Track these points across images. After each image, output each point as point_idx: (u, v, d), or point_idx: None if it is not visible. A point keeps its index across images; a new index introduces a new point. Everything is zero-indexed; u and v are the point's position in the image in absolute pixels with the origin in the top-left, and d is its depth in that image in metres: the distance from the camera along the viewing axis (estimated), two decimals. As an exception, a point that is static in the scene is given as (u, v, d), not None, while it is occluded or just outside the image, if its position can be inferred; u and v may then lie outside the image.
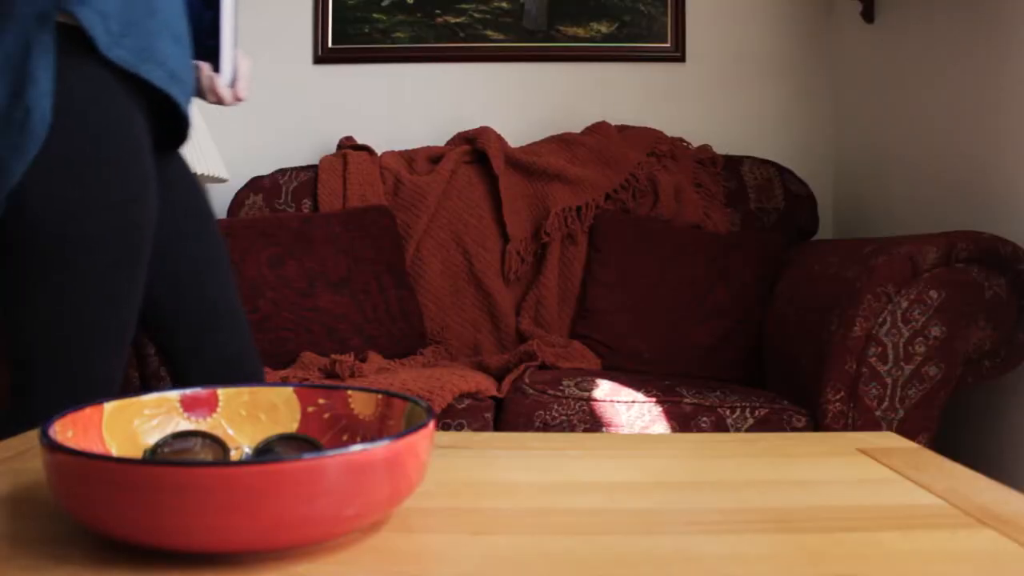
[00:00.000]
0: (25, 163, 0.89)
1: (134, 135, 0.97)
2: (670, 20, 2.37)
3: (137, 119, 0.98)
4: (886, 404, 1.42)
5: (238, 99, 1.13)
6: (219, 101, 1.12)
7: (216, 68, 1.08)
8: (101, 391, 0.97)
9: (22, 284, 0.93)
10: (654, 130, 2.21)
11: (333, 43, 2.41)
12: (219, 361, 1.13)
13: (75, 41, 0.91)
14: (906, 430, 1.41)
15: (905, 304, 1.39)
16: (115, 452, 0.52)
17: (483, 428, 1.49)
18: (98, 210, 0.93)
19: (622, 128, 2.21)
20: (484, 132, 2.14)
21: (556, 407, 1.48)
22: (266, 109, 2.42)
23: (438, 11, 2.37)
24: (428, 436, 0.47)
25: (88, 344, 0.95)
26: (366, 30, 2.39)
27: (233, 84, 1.11)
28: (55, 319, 0.94)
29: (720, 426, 1.46)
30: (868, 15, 2.14)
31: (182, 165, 1.15)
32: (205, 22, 1.06)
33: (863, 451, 0.67)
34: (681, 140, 2.20)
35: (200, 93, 1.12)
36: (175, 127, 1.07)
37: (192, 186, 1.15)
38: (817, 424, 1.46)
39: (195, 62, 1.08)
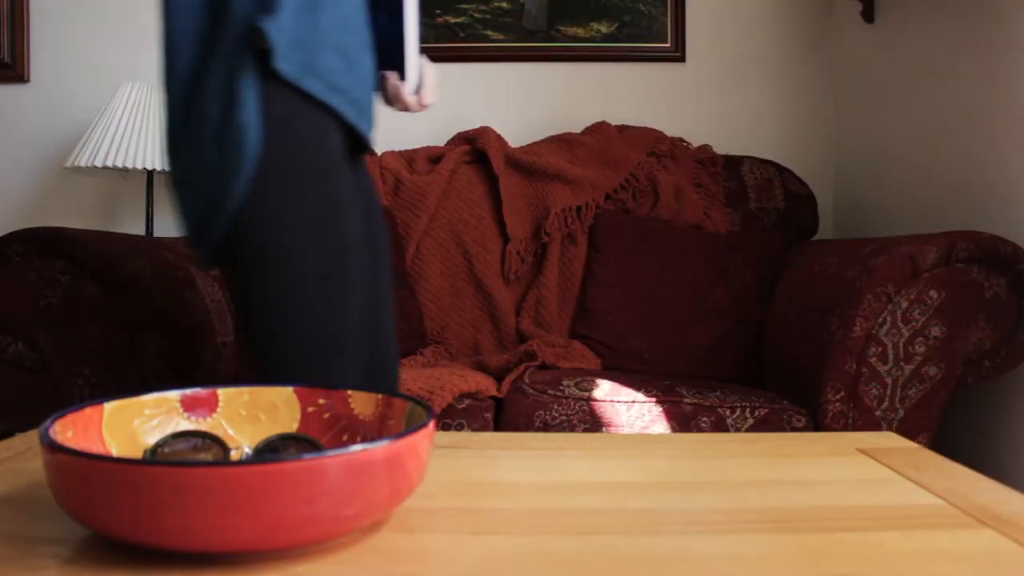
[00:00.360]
0: (243, 180, 0.95)
1: (331, 148, 1.02)
2: (670, 20, 2.37)
3: (331, 133, 1.03)
4: (886, 404, 1.42)
5: (423, 106, 1.17)
6: (405, 108, 1.16)
7: (402, 77, 1.13)
8: None
9: (249, 296, 0.99)
10: (654, 130, 2.21)
11: (333, 43, 2.41)
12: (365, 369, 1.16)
13: (266, 59, 0.97)
14: (906, 430, 1.41)
15: (905, 304, 1.39)
16: (115, 452, 0.52)
17: (483, 428, 1.49)
18: (301, 222, 0.98)
19: (622, 128, 2.21)
20: (484, 132, 2.14)
21: (556, 407, 1.48)
22: (266, 109, 2.42)
23: (438, 11, 2.37)
24: (428, 436, 0.47)
25: (313, 354, 1.00)
26: (366, 30, 2.39)
27: (418, 91, 1.16)
28: (278, 330, 0.99)
29: (720, 426, 1.46)
30: (868, 15, 2.14)
31: (364, 175, 1.19)
32: (392, 34, 1.12)
33: (863, 451, 0.67)
34: (681, 140, 2.21)
35: (388, 101, 1.17)
36: (357, 139, 1.12)
37: (371, 196, 1.20)
38: (817, 424, 1.46)
39: (384, 72, 1.14)
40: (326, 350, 1.01)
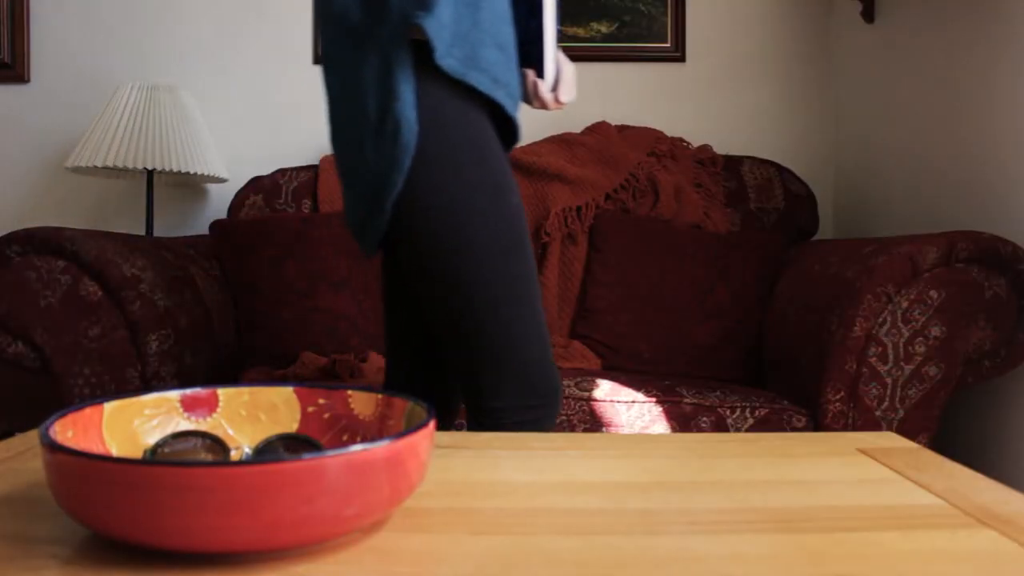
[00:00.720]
0: (403, 173, 0.97)
1: (488, 134, 1.04)
2: (670, 20, 2.37)
3: (486, 121, 1.05)
4: (886, 404, 1.42)
5: (560, 103, 1.17)
6: (543, 106, 1.17)
7: (540, 74, 1.12)
8: (538, 371, 1.04)
9: (433, 286, 1.01)
10: (654, 130, 2.21)
11: (333, 43, 2.41)
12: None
13: (420, 55, 0.99)
14: (906, 430, 1.41)
15: (905, 304, 1.39)
16: (115, 452, 0.52)
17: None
18: (477, 198, 1.00)
19: (622, 128, 2.21)
20: (484, 132, 2.14)
21: (556, 407, 1.48)
22: (266, 109, 2.42)
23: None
24: (428, 436, 0.47)
25: (505, 330, 1.01)
26: (366, 30, 2.39)
27: (555, 88, 1.15)
28: (471, 311, 1.01)
29: (720, 426, 1.46)
30: (868, 15, 2.14)
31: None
32: (530, 31, 1.11)
33: (863, 451, 0.67)
34: (681, 140, 2.21)
35: (526, 98, 1.17)
36: (503, 133, 1.13)
37: None
38: (817, 424, 1.46)
39: (522, 69, 1.13)
40: (523, 318, 1.02)
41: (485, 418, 1.03)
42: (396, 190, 0.98)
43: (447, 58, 0.98)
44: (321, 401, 0.58)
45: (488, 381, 1.02)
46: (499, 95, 1.04)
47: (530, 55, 1.11)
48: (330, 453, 0.40)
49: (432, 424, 0.48)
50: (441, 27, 0.97)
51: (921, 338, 1.39)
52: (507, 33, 1.07)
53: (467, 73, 1.00)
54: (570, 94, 1.17)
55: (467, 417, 1.08)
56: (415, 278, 1.04)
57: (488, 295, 1.00)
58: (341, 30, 1.02)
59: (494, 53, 1.04)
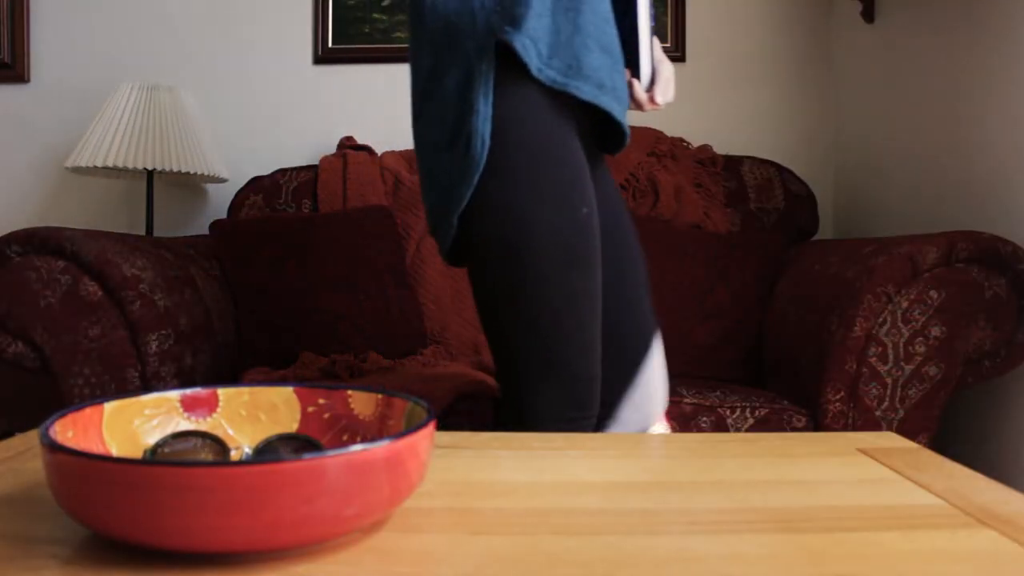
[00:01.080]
0: (471, 187, 0.96)
1: (570, 148, 1.02)
2: (670, 20, 2.37)
3: (571, 134, 1.02)
4: (886, 404, 1.42)
5: (655, 104, 1.13)
6: (638, 107, 1.14)
7: (635, 73, 1.08)
8: (584, 388, 1.02)
9: (493, 293, 1.01)
10: (654, 130, 2.22)
11: (333, 43, 2.41)
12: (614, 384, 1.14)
13: (508, 65, 0.97)
14: (906, 430, 1.41)
15: (905, 304, 1.39)
16: (115, 452, 0.52)
17: (483, 428, 1.49)
18: (545, 215, 0.98)
19: (622, 128, 2.21)
20: (484, 132, 2.13)
21: (556, 407, 1.48)
22: (266, 109, 2.42)
23: (438, 11, 2.36)
24: (428, 436, 0.47)
25: (557, 342, 1.00)
26: (366, 30, 2.39)
27: (650, 88, 1.12)
28: (525, 321, 1.00)
29: (720, 426, 1.46)
30: (868, 15, 2.14)
31: (606, 174, 1.18)
32: (624, 29, 1.07)
33: (863, 451, 0.67)
34: (681, 140, 2.21)
35: None
36: (611, 136, 1.11)
37: (615, 197, 1.18)
38: (817, 424, 1.46)
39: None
40: (575, 332, 1.00)
41: (523, 424, 1.02)
42: (463, 203, 0.97)
43: (546, 70, 0.96)
44: (321, 401, 0.58)
45: (531, 389, 1.02)
46: (604, 100, 1.01)
47: (624, 54, 1.06)
48: (330, 453, 0.40)
49: (432, 424, 0.48)
50: (533, 41, 0.95)
51: (921, 338, 1.39)
52: (611, 34, 1.04)
53: (568, 83, 0.98)
54: (667, 94, 1.13)
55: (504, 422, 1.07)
56: (476, 283, 1.03)
57: (544, 307, 0.99)
58: (427, 33, 1.01)
59: (599, 57, 1.01)
